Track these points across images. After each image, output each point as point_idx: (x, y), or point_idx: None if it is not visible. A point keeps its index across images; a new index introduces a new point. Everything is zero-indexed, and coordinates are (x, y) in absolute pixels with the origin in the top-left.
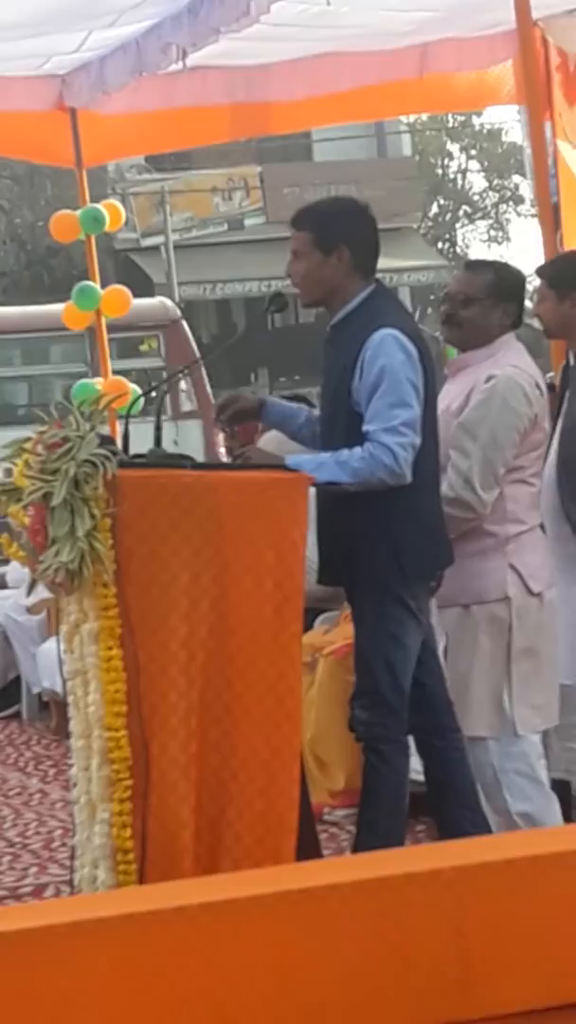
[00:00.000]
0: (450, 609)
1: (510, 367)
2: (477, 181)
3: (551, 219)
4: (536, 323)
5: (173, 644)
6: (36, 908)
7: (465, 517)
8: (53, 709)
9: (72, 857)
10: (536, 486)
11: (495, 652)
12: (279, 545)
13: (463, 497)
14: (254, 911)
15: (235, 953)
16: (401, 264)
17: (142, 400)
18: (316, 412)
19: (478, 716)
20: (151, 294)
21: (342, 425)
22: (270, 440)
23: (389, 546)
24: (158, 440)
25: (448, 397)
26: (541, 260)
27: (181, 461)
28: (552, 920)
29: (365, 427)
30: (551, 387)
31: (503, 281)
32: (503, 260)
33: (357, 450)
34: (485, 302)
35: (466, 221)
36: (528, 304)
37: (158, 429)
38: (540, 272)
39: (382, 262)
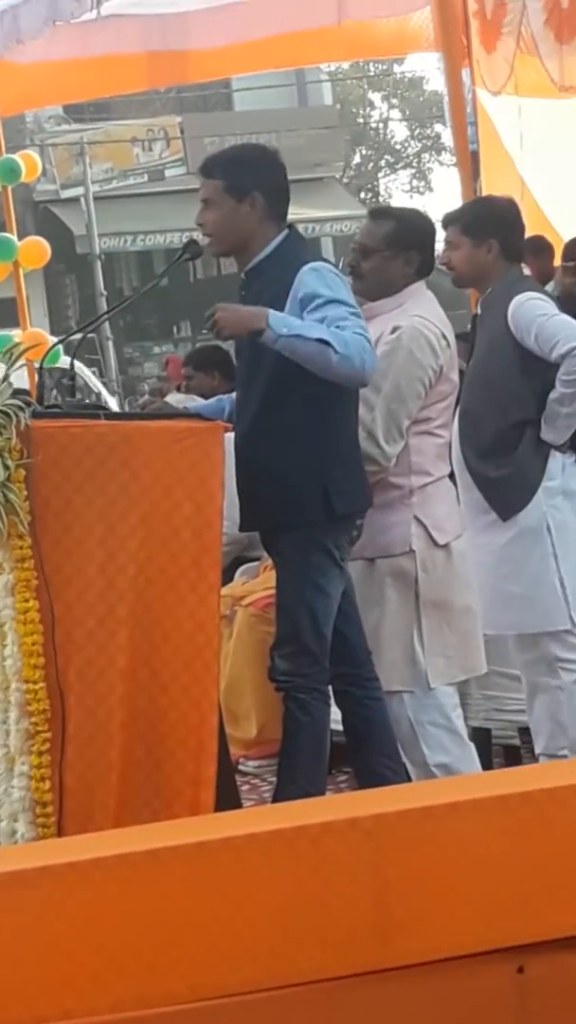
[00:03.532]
0: (354, 562)
1: (416, 317)
2: (399, 130)
3: (470, 167)
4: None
5: (90, 595)
6: None
7: (370, 470)
8: None
9: None
10: (444, 437)
11: (403, 605)
12: (196, 495)
13: (366, 450)
14: (172, 861)
15: (152, 903)
16: (323, 214)
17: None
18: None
19: (391, 670)
20: (71, 246)
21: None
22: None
23: (317, 485)
24: (72, 391)
25: None
26: None
27: (95, 411)
28: (470, 868)
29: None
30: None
31: (403, 230)
32: (411, 207)
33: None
34: (384, 252)
35: (388, 171)
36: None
37: (71, 380)
38: (452, 218)
39: (304, 212)
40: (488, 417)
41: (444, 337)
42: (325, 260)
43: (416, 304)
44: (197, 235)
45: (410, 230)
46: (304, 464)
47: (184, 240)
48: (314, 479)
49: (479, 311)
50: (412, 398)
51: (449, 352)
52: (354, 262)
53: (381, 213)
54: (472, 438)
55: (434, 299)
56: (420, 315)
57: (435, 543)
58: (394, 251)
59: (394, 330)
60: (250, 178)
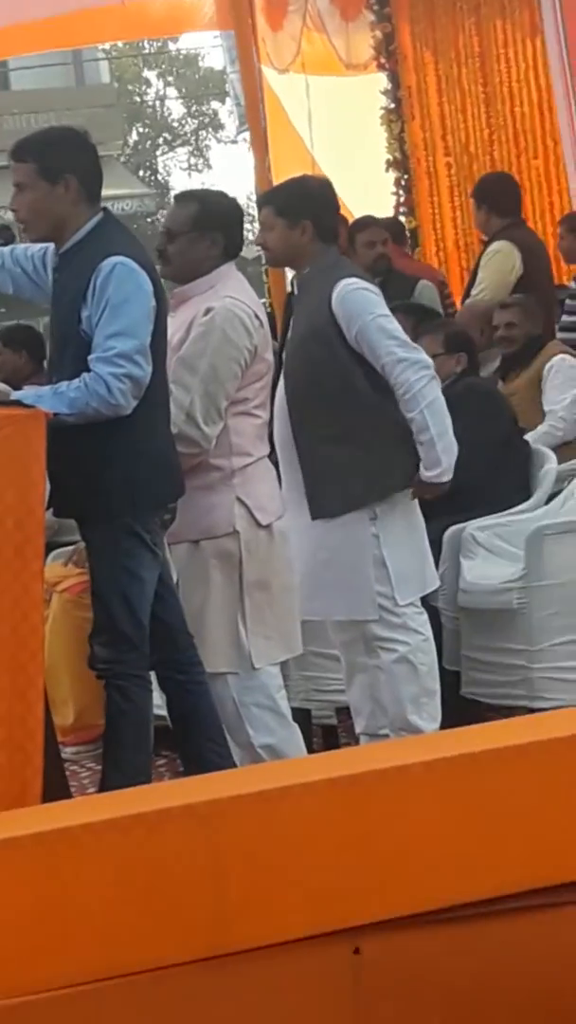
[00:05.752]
0: (179, 545)
1: (228, 298)
2: (176, 108)
3: (263, 145)
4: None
5: None
6: None
7: (190, 452)
8: None
9: None
10: (262, 417)
11: (227, 587)
12: (18, 483)
13: (186, 432)
14: (6, 852)
15: None
16: (104, 193)
17: None
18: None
19: (215, 651)
20: None
21: (71, 352)
22: None
23: (118, 478)
24: None
25: (170, 330)
26: (248, 186)
27: None
28: (305, 851)
29: (89, 357)
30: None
31: (207, 211)
32: (213, 188)
33: (75, 381)
34: (190, 235)
35: (166, 148)
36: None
37: None
38: (266, 199)
39: None
40: (312, 403)
41: (257, 317)
42: (129, 255)
43: (226, 286)
44: (8, 215)
45: (214, 211)
46: (101, 457)
47: None
48: (114, 472)
49: (294, 291)
50: (229, 378)
51: (262, 332)
52: (161, 247)
53: (185, 196)
54: (299, 417)
55: (244, 280)
56: (232, 296)
57: (258, 524)
58: (199, 232)
59: (207, 312)
60: (64, 160)
